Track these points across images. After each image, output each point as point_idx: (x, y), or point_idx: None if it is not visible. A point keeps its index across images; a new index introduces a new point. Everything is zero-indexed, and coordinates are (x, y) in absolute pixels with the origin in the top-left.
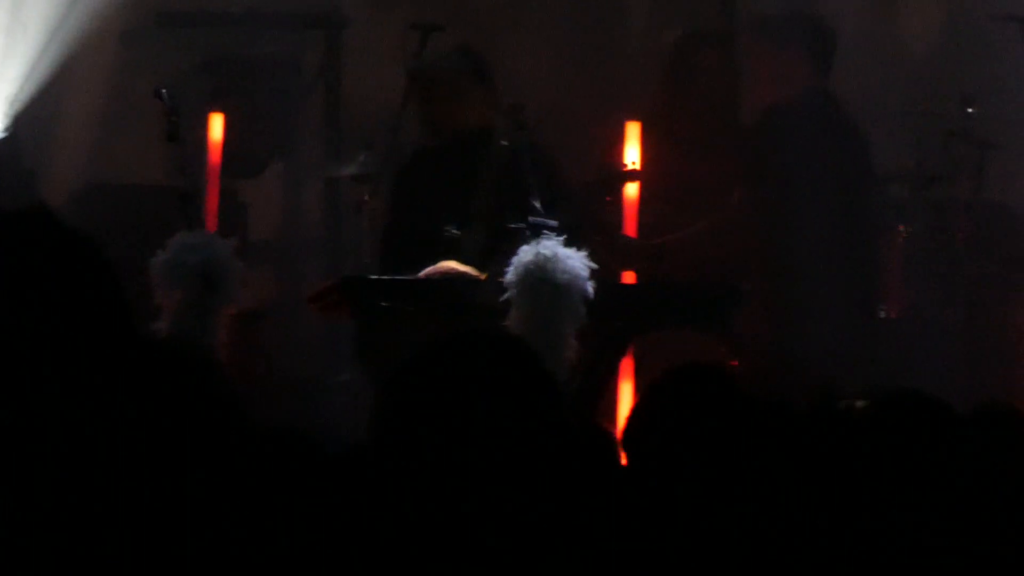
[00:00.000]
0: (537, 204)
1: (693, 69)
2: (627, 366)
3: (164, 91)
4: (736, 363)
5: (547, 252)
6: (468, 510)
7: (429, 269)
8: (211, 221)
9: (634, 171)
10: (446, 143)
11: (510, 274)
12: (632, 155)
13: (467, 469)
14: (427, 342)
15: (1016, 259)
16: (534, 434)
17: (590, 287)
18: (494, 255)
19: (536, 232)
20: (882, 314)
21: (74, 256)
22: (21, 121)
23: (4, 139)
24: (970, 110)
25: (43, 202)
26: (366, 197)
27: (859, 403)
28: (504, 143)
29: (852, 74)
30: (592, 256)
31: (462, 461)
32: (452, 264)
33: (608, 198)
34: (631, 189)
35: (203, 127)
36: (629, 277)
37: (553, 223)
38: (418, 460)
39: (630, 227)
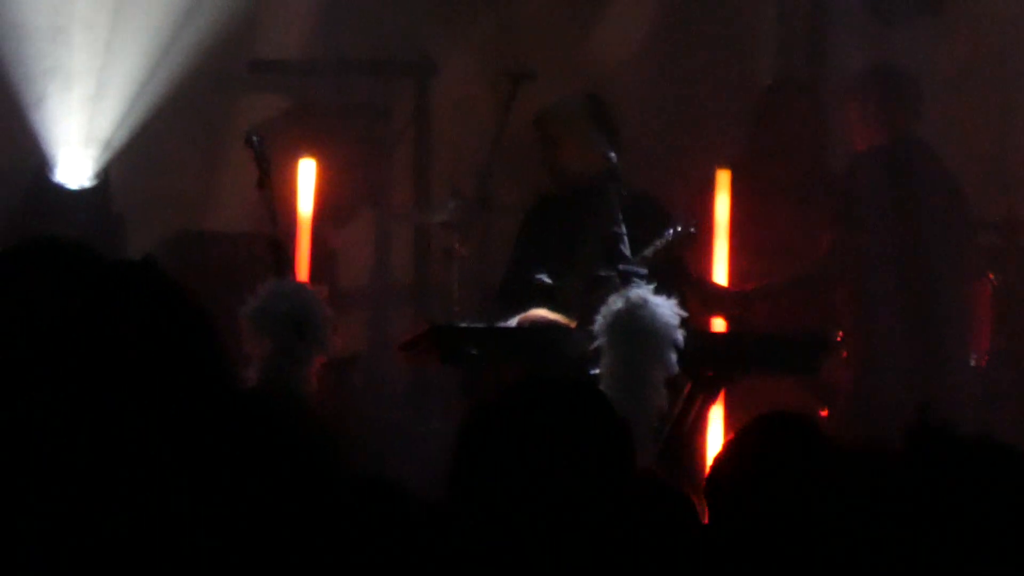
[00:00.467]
0: (627, 252)
1: (783, 116)
2: (717, 414)
3: (255, 138)
4: (826, 412)
5: (637, 300)
6: (539, 561)
7: (519, 317)
8: (301, 268)
9: (692, 234)
10: (569, 190)
11: (600, 322)
12: (722, 204)
13: (538, 518)
14: (502, 389)
15: None
16: (603, 484)
17: (680, 335)
18: (585, 303)
19: (626, 280)
20: (973, 362)
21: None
22: (112, 167)
23: (95, 185)
24: None
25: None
26: (456, 244)
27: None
28: (615, 191)
29: (944, 122)
30: (681, 304)
31: (533, 509)
32: (542, 312)
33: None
34: (721, 239)
35: (293, 174)
36: (719, 325)
37: (643, 271)
38: (491, 507)
39: (720, 275)
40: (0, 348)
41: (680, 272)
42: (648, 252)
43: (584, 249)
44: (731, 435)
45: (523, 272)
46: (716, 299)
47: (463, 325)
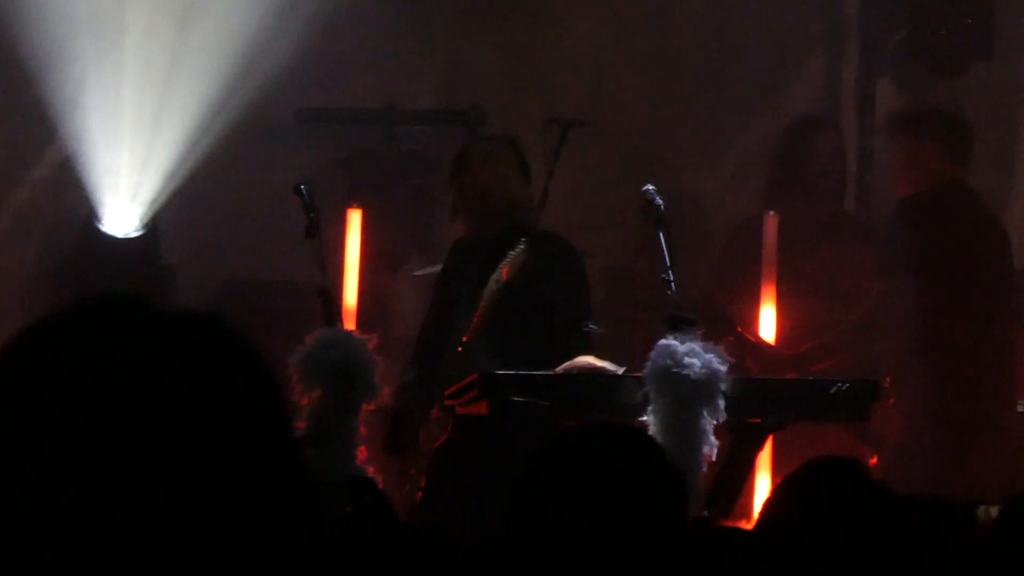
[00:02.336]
0: (675, 298)
1: (803, 153)
2: (765, 460)
3: (303, 187)
4: (875, 459)
5: (684, 347)
6: None
7: (567, 364)
8: (350, 317)
9: (692, 320)
10: (490, 234)
11: (647, 369)
12: (770, 250)
13: (595, 568)
14: (557, 434)
15: None
16: (660, 532)
17: (727, 382)
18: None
19: (673, 327)
20: (1020, 408)
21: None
22: (161, 216)
23: (143, 236)
24: None
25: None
26: None
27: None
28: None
29: (990, 169)
30: (728, 350)
31: (590, 559)
32: (590, 359)
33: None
34: (768, 286)
35: (343, 223)
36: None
37: (691, 317)
38: (547, 558)
39: (768, 332)
40: (66, 415)
41: (726, 323)
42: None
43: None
44: (780, 480)
45: (442, 319)
46: (769, 363)
47: (511, 373)
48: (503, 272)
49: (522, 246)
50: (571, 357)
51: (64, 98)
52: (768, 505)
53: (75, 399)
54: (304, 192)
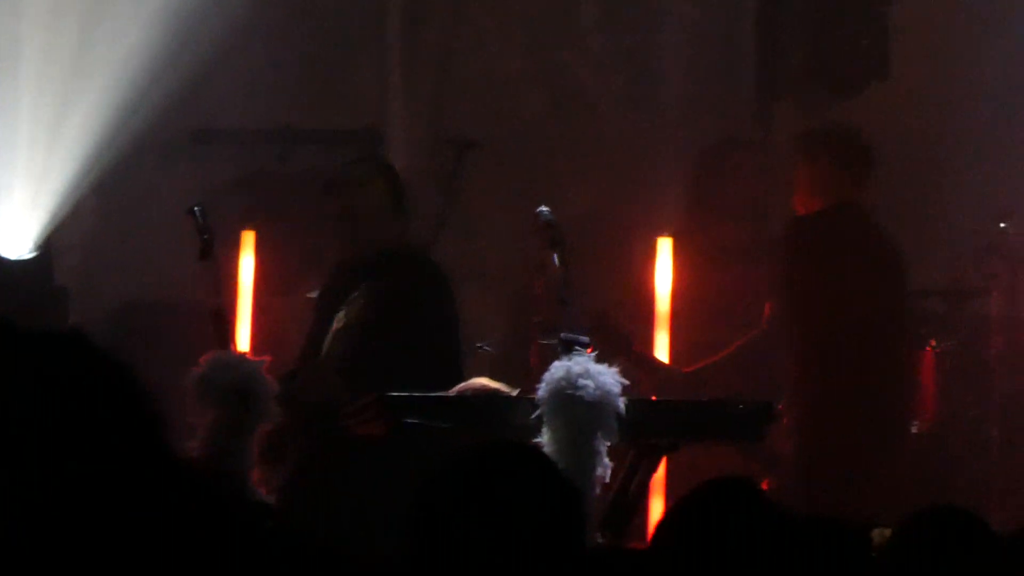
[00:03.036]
0: (570, 320)
1: (725, 174)
2: (659, 482)
3: (197, 209)
4: (767, 481)
5: (579, 368)
6: None
7: (461, 385)
8: (244, 339)
9: (585, 342)
10: (361, 260)
11: (542, 390)
12: (664, 272)
13: None
14: (454, 454)
15: None
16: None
17: (622, 403)
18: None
19: (567, 348)
20: (915, 429)
21: (107, 379)
22: (54, 239)
23: (36, 257)
24: (1003, 225)
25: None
26: None
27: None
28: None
29: (888, 188)
30: (623, 372)
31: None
32: (484, 381)
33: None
34: (662, 309)
35: (237, 245)
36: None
37: (585, 339)
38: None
39: (662, 350)
40: None
41: (622, 343)
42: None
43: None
44: (674, 501)
45: (314, 340)
46: (664, 381)
47: (405, 395)
48: (340, 316)
49: (357, 293)
50: (438, 380)
51: None
52: (662, 526)
53: None
54: (198, 213)
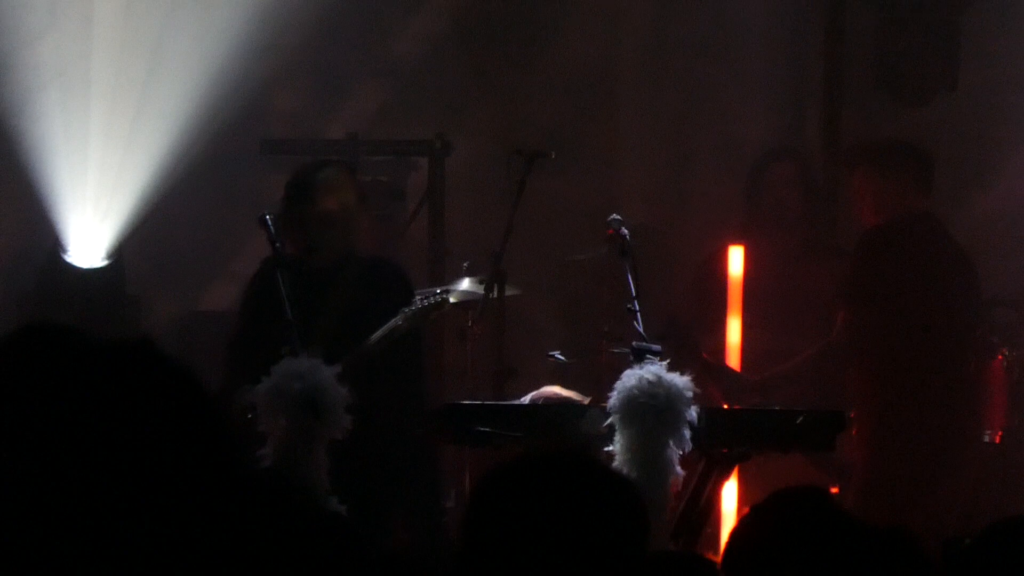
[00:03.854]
0: (640, 329)
1: (771, 182)
2: (731, 490)
3: (268, 218)
4: (836, 489)
5: (651, 377)
6: None
7: (533, 394)
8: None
9: (656, 350)
10: (322, 260)
11: (613, 399)
12: (735, 281)
13: None
14: (510, 461)
15: None
16: (617, 562)
17: (694, 412)
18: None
19: (639, 357)
20: (985, 439)
21: (176, 388)
22: (126, 247)
23: (108, 266)
24: None
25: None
26: (470, 323)
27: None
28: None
29: (958, 198)
30: (695, 380)
31: None
32: (556, 389)
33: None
34: (734, 317)
35: None
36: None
37: (657, 348)
38: None
39: (733, 359)
40: None
41: (692, 351)
42: (388, 327)
43: (325, 321)
44: (746, 511)
45: (253, 332)
46: (734, 389)
47: (476, 403)
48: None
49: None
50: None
51: (32, 130)
52: (735, 535)
53: None
54: (269, 223)
